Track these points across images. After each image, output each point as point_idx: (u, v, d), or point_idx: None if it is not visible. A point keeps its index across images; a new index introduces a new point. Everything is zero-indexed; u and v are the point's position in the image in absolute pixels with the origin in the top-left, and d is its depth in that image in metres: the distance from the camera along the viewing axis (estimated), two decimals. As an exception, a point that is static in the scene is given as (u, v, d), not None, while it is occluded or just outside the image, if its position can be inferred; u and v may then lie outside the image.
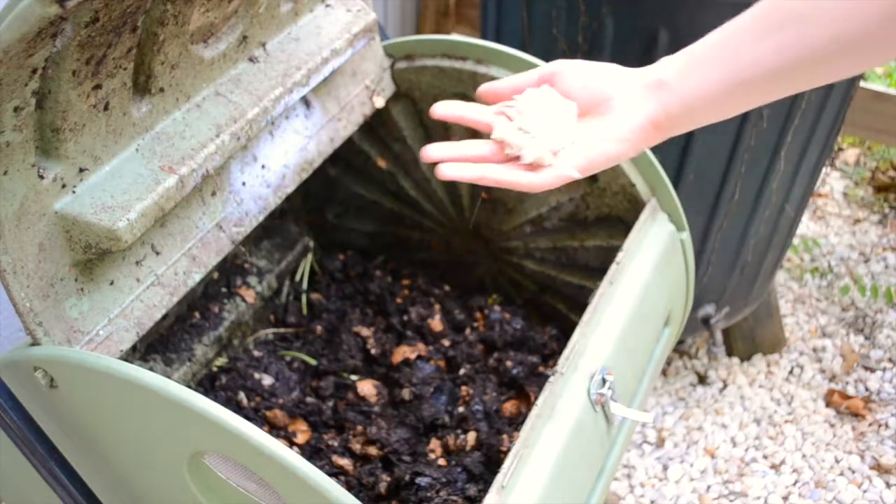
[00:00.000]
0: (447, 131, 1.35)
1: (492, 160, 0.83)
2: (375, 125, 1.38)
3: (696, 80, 0.81)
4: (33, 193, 0.83)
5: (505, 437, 1.20)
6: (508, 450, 1.00)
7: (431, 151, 0.83)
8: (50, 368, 0.87)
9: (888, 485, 1.69)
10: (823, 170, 1.84)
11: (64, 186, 0.87)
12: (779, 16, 0.77)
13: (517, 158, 0.80)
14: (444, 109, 0.86)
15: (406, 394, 1.29)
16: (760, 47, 0.78)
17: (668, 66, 0.83)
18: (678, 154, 1.46)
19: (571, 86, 0.85)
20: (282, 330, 1.45)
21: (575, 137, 0.81)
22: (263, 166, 1.12)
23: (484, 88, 0.88)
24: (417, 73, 1.30)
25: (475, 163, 0.82)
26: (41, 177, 0.84)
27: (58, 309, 0.88)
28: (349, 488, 1.19)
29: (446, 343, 1.38)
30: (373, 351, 1.38)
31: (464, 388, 1.29)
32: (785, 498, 1.67)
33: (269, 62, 1.09)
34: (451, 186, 1.42)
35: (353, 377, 1.36)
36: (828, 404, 1.85)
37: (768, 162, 1.51)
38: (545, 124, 0.80)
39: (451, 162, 0.82)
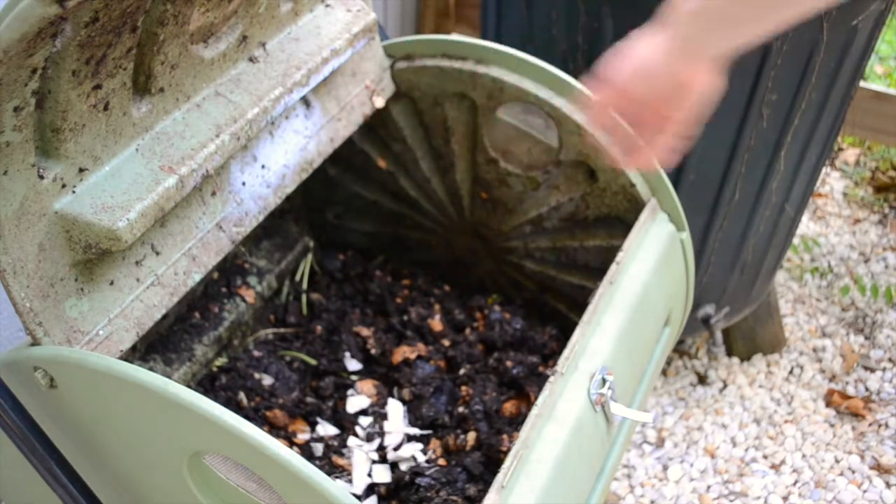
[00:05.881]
0: (447, 131, 1.35)
1: None
2: (375, 125, 1.38)
3: None
4: (33, 193, 0.83)
5: (505, 437, 1.20)
6: (508, 450, 1.00)
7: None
8: (50, 368, 0.87)
9: (888, 485, 1.69)
10: (823, 170, 1.84)
11: (64, 186, 0.87)
12: None
13: None
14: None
15: (406, 394, 1.29)
16: None
17: None
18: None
19: None
20: (282, 330, 1.45)
21: None
22: (263, 166, 1.12)
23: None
24: (417, 73, 1.30)
25: None
26: (41, 177, 0.84)
27: (58, 309, 0.88)
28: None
29: (446, 343, 1.38)
30: (373, 351, 1.38)
31: (464, 388, 1.29)
32: (785, 498, 1.67)
33: (269, 62, 1.09)
34: (451, 186, 1.42)
35: (353, 377, 1.36)
36: (828, 404, 1.85)
37: (768, 162, 1.51)
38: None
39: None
